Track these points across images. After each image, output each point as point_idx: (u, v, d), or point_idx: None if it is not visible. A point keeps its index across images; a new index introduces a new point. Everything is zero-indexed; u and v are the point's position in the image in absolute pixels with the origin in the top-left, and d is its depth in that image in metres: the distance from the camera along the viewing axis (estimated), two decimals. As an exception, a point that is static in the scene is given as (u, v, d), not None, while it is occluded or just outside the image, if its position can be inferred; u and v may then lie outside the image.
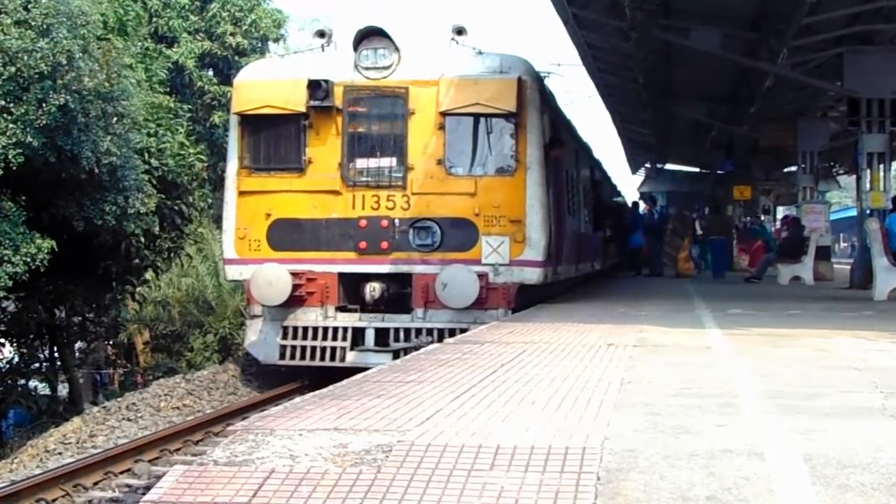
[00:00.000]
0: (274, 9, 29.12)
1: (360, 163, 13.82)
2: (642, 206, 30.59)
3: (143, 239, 17.00)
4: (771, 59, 20.83)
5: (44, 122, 13.24)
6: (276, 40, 28.78)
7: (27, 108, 13.24)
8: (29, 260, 13.41)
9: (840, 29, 19.54)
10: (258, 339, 14.00)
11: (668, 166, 47.19)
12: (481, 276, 13.20)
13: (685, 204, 42.61)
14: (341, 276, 13.72)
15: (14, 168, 13.20)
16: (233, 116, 14.43)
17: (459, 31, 13.91)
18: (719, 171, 39.29)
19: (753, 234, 30.11)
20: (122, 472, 9.52)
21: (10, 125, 13.14)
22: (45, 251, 13.58)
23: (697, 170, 45.86)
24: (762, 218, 31.50)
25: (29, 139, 13.13)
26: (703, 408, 5.40)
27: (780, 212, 45.15)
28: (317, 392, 6.12)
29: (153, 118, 17.72)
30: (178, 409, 12.99)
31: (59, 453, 11.03)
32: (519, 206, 13.49)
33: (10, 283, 13.43)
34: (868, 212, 19.15)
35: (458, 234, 13.51)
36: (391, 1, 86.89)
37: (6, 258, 13.25)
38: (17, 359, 19.18)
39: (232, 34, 27.43)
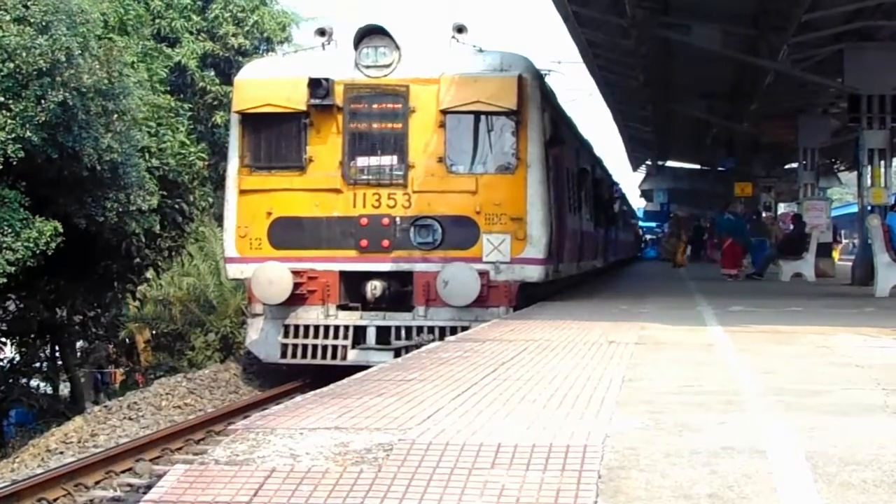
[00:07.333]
0: (281, 10, 29.04)
1: (361, 161, 13.81)
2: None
3: (143, 238, 16.99)
4: (771, 56, 20.81)
5: (43, 118, 13.24)
6: (282, 42, 28.64)
7: (26, 105, 13.26)
8: (31, 245, 13.33)
9: (840, 25, 19.53)
10: (259, 337, 14.00)
11: (669, 163, 47.24)
12: (482, 273, 13.18)
13: (685, 200, 42.53)
14: (342, 274, 13.71)
15: (13, 162, 13.20)
16: (233, 115, 14.44)
17: (460, 30, 13.91)
18: (720, 168, 39.29)
19: (722, 230, 25.19)
20: (123, 472, 9.52)
21: (9, 121, 13.14)
22: (48, 234, 13.48)
23: (698, 167, 45.88)
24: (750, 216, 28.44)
25: (28, 135, 13.13)
26: (705, 405, 5.40)
27: (782, 208, 45.11)
28: (318, 391, 6.11)
29: (154, 118, 17.72)
30: (179, 408, 12.99)
31: (61, 452, 11.02)
32: (520, 203, 13.47)
33: (12, 270, 13.35)
34: (869, 208, 19.15)
35: (459, 232, 13.51)
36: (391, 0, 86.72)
37: (6, 245, 13.19)
38: (18, 358, 19.19)
39: (234, 35, 27.43)
